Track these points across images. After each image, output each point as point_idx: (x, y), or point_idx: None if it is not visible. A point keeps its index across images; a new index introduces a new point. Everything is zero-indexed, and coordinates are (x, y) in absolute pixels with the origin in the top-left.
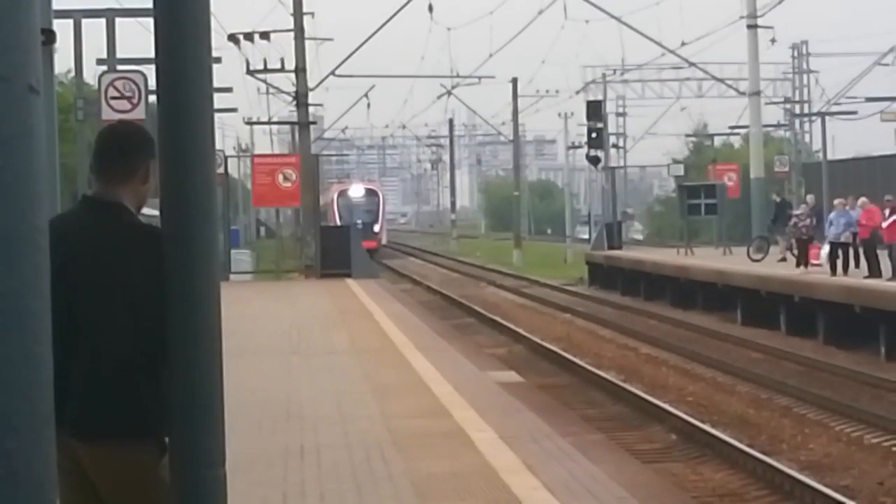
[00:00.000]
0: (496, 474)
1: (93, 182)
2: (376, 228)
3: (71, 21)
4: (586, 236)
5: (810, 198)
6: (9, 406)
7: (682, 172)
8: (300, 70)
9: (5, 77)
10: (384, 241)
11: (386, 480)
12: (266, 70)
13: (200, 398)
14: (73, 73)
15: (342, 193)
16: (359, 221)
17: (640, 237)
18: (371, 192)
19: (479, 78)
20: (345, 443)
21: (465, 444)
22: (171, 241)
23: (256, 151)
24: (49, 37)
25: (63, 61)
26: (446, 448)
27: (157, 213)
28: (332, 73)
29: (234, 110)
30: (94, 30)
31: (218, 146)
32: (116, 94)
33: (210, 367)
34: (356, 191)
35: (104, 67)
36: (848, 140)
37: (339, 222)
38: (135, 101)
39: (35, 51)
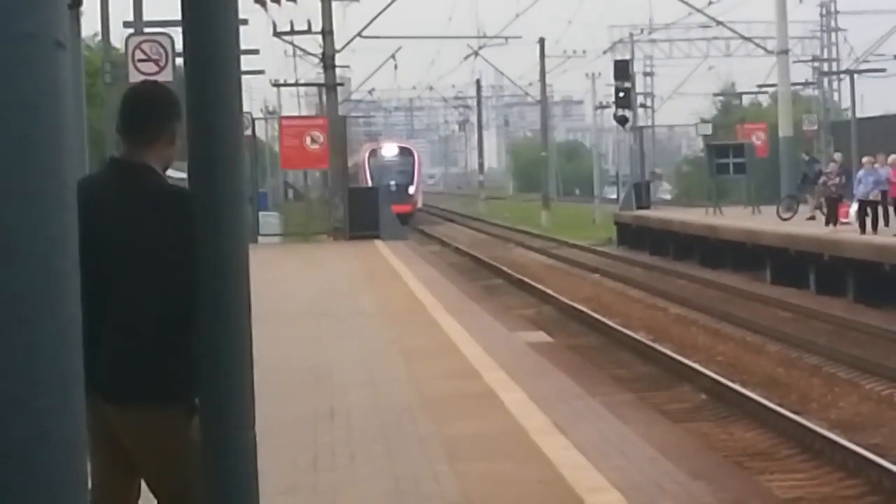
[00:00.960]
0: (526, 435)
1: (120, 144)
2: (411, 190)
3: None
4: (614, 197)
5: (838, 156)
6: (38, 365)
7: (710, 132)
8: (327, 32)
9: (32, 34)
10: (420, 205)
11: (416, 442)
12: (293, 32)
13: (230, 361)
14: (99, 37)
15: (374, 152)
16: (392, 183)
17: (668, 197)
18: (405, 151)
19: (506, 38)
20: (374, 405)
21: (494, 406)
22: (199, 204)
23: (284, 113)
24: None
25: (89, 25)
26: (476, 409)
27: (184, 175)
28: (359, 34)
29: (261, 72)
30: None
31: (245, 108)
32: (143, 57)
33: (239, 330)
34: (389, 150)
35: (131, 30)
36: (877, 98)
37: (370, 183)
38: (162, 63)
39: (62, 6)
